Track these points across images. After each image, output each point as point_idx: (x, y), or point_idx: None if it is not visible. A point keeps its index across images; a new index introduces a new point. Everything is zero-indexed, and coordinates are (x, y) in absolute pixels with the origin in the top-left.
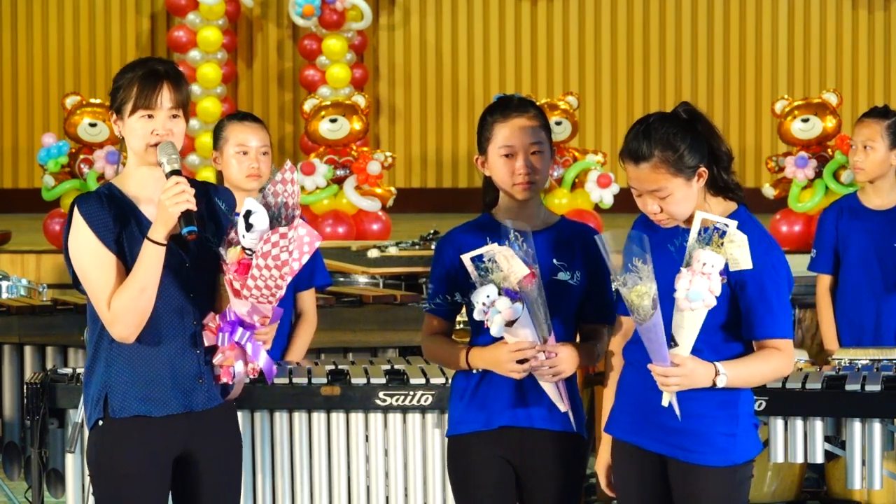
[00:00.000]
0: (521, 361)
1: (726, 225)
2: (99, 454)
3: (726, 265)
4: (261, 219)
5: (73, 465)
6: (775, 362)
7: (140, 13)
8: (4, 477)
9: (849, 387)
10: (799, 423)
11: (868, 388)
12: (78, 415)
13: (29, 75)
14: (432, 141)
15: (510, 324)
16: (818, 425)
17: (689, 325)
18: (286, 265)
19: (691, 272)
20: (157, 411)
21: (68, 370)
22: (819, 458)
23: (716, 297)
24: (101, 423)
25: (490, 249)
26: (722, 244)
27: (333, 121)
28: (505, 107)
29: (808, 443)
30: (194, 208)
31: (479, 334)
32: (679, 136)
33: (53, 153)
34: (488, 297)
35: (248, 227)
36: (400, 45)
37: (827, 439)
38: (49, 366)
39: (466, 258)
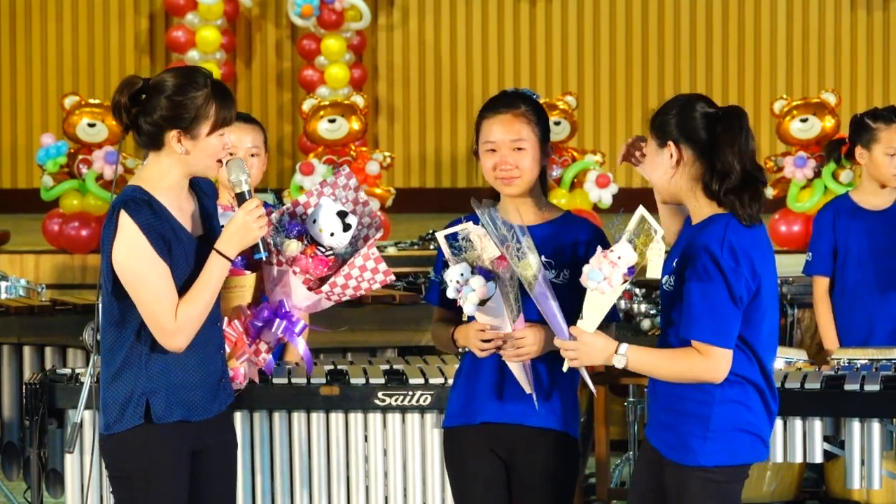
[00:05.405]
0: (487, 341)
1: (656, 231)
2: (136, 458)
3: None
4: (354, 220)
5: (72, 466)
6: (690, 362)
7: (139, 13)
8: (3, 477)
9: (848, 387)
10: (798, 422)
11: (867, 387)
12: (77, 415)
13: (28, 75)
14: (431, 141)
15: (483, 303)
16: (817, 425)
17: (591, 302)
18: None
19: (604, 256)
20: (196, 416)
21: (67, 370)
22: (818, 458)
23: (612, 287)
24: (137, 427)
25: (465, 228)
26: (647, 245)
27: (332, 121)
28: (494, 103)
29: (808, 442)
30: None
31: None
32: (672, 106)
33: (52, 153)
34: (461, 275)
35: (346, 227)
36: (399, 46)
37: (826, 439)
38: (48, 366)
39: (440, 235)
